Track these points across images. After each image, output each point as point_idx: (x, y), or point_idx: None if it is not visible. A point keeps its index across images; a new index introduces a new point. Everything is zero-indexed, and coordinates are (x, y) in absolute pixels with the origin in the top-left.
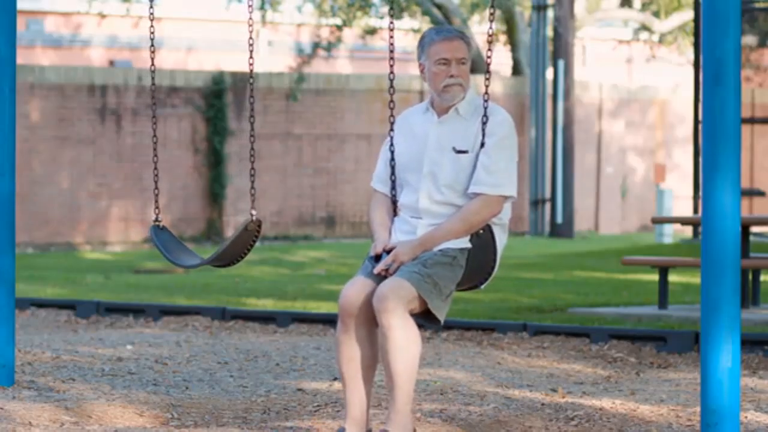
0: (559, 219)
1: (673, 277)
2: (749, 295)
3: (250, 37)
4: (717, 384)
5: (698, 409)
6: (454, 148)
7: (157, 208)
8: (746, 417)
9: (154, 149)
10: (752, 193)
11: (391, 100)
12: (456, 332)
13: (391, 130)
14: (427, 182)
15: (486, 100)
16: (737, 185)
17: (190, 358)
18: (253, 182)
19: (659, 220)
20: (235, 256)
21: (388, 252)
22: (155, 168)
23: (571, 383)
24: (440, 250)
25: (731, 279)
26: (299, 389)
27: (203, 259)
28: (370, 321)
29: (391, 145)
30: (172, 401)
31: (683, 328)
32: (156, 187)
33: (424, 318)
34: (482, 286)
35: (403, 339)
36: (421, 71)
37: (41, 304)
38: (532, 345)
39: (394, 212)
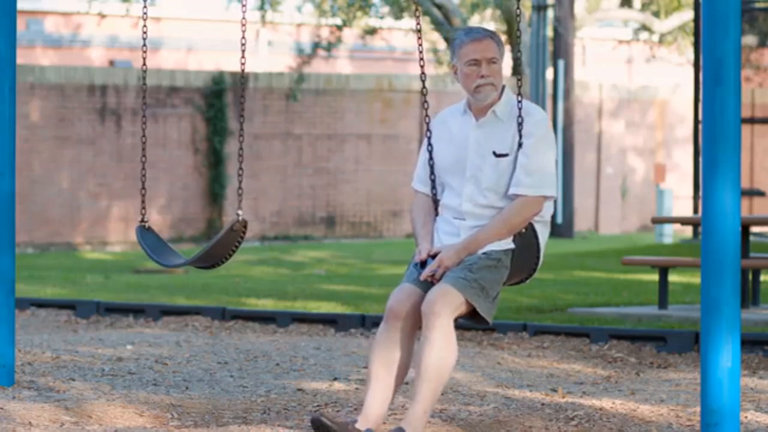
0: (559, 219)
1: (673, 277)
2: (749, 295)
3: (243, 37)
4: (717, 384)
5: (698, 409)
6: (494, 152)
7: (143, 208)
8: (746, 417)
9: (143, 149)
10: (752, 193)
11: (425, 101)
12: (456, 332)
13: (428, 130)
14: (470, 186)
15: (520, 101)
16: (737, 185)
17: (190, 358)
18: (240, 182)
19: (659, 220)
20: (220, 257)
21: (433, 257)
22: (143, 169)
23: (571, 383)
24: (484, 253)
25: (731, 279)
26: (299, 389)
27: (187, 259)
28: (412, 329)
29: (429, 145)
30: (172, 401)
31: (683, 328)
32: (143, 188)
33: (472, 319)
34: (527, 281)
35: (443, 347)
36: (454, 73)
37: (41, 304)
38: (532, 345)
39: (435, 212)
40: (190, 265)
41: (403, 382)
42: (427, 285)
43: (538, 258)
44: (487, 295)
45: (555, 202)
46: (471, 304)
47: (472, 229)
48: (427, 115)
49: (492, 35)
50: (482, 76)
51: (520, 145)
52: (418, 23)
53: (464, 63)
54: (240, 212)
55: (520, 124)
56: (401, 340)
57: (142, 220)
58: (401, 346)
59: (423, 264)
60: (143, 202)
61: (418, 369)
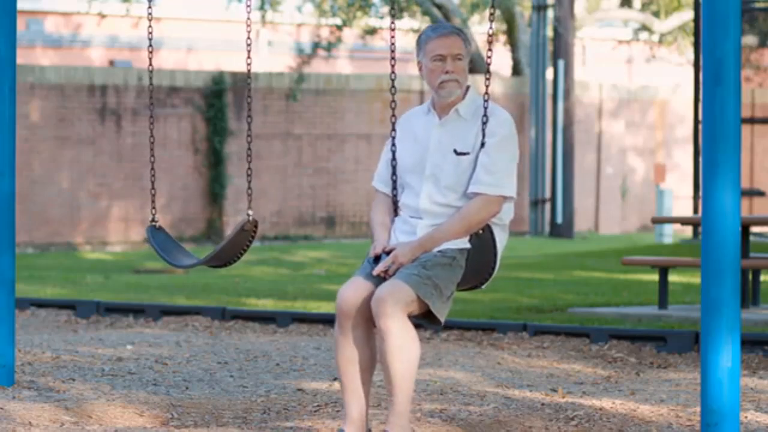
0: (559, 219)
1: (673, 277)
2: (749, 295)
3: (248, 37)
4: (717, 384)
5: (698, 409)
6: (455, 150)
7: (153, 208)
8: (746, 417)
9: (152, 150)
10: (752, 193)
11: (393, 100)
12: (456, 332)
13: (393, 130)
14: (428, 184)
15: (486, 100)
16: (737, 185)
17: (190, 358)
18: (249, 183)
19: (659, 220)
20: (231, 257)
21: (388, 253)
22: (152, 169)
23: (571, 383)
24: (440, 251)
25: (731, 279)
26: (299, 389)
27: (199, 259)
28: (367, 322)
29: (393, 145)
30: (172, 401)
31: (683, 328)
32: (153, 188)
33: (425, 319)
34: (483, 286)
35: (402, 342)
36: (420, 69)
37: (41, 304)
38: (532, 345)
39: (395, 212)
40: (202, 265)
41: (372, 374)
42: (380, 280)
43: (494, 261)
44: (440, 293)
45: (553, 203)
46: (423, 302)
47: (428, 227)
48: (393, 115)
49: (459, 32)
50: (447, 72)
51: (483, 144)
52: (392, 22)
53: (429, 59)
54: (250, 212)
55: (484, 123)
56: (357, 337)
57: (153, 220)
58: (358, 343)
59: (377, 259)
60: (153, 201)
61: (386, 373)
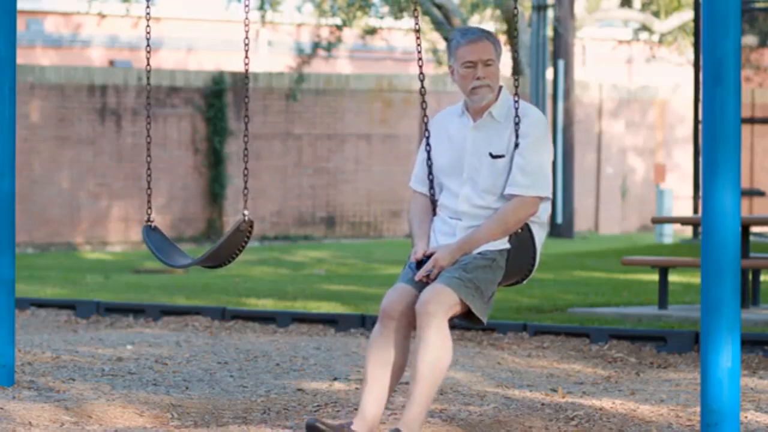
0: (559, 219)
1: (673, 277)
2: (749, 295)
3: (246, 37)
4: (717, 384)
5: (698, 409)
6: (490, 154)
7: (149, 208)
8: (746, 417)
9: (148, 150)
10: (752, 193)
11: (423, 101)
12: (456, 332)
13: (426, 131)
14: (467, 188)
15: (516, 101)
16: (737, 185)
17: (190, 358)
18: (246, 182)
19: (659, 220)
20: (226, 257)
21: (428, 257)
22: (148, 169)
23: (571, 383)
24: (479, 253)
25: (731, 279)
26: (299, 389)
27: (194, 259)
28: (407, 329)
29: (427, 145)
30: (172, 401)
31: (683, 328)
32: (149, 188)
33: (466, 319)
34: (524, 282)
35: (438, 347)
36: (451, 74)
37: (41, 304)
38: (532, 345)
39: (433, 212)
40: (197, 265)
41: (398, 382)
42: (422, 285)
43: (534, 259)
44: (481, 294)
45: (553, 203)
46: (466, 304)
47: (468, 229)
48: (425, 115)
49: (488, 36)
50: (478, 78)
51: (516, 145)
52: (416, 23)
53: (460, 65)
54: (246, 212)
55: (517, 125)
56: (396, 341)
57: (148, 220)
58: (396, 347)
59: (419, 264)
60: (149, 201)
61: (414, 370)
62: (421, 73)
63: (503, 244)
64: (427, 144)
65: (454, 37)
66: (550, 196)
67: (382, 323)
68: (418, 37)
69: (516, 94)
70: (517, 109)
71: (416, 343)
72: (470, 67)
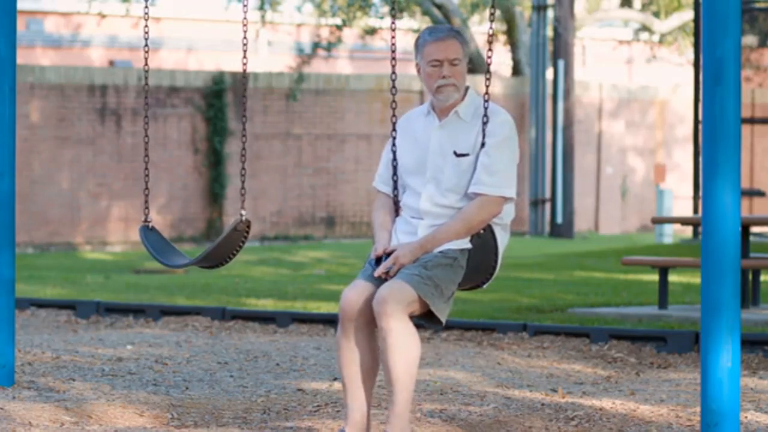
0: (559, 219)
1: (673, 277)
2: (749, 295)
3: (244, 37)
4: (717, 384)
5: (698, 409)
6: (455, 152)
7: (147, 208)
8: (746, 417)
9: (146, 150)
10: (752, 193)
11: (393, 101)
12: (456, 332)
13: (393, 130)
14: (430, 186)
15: (486, 101)
16: (737, 185)
17: (190, 358)
18: (243, 182)
19: (659, 220)
20: (223, 257)
21: (389, 254)
22: (146, 169)
23: (571, 383)
24: (440, 252)
25: (731, 279)
26: (299, 389)
27: (192, 259)
28: (370, 324)
29: (393, 145)
30: (172, 401)
31: (683, 328)
32: (146, 188)
33: (426, 319)
34: (484, 286)
35: (403, 342)
36: (418, 72)
37: (41, 304)
38: (532, 345)
39: (396, 212)
40: (194, 265)
41: (375, 377)
42: (381, 282)
43: (495, 261)
44: (441, 293)
45: (553, 202)
46: (425, 302)
47: (429, 228)
48: (394, 116)
49: (456, 35)
50: (444, 77)
51: (483, 144)
52: (393, 22)
53: (427, 63)
54: (243, 212)
55: (485, 124)
56: (359, 340)
57: (146, 220)
58: (361, 346)
59: (378, 261)
60: (146, 202)
61: (387, 373)
62: (393, 72)
63: (465, 243)
64: (393, 144)
65: (421, 35)
66: (515, 197)
67: (342, 324)
68: (393, 36)
69: (486, 93)
70: (486, 107)
71: (381, 343)
72: (436, 65)
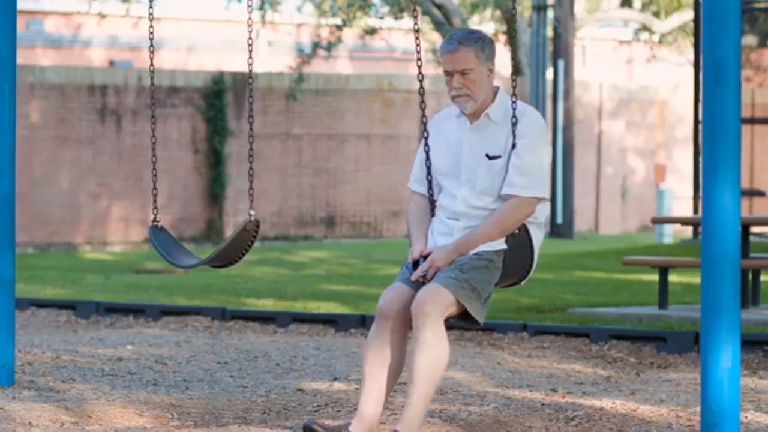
0: (559, 219)
1: (673, 277)
2: (749, 295)
3: (250, 38)
4: (717, 384)
5: (698, 409)
6: (487, 155)
7: (155, 208)
8: (746, 417)
9: (153, 150)
10: (752, 193)
11: (422, 101)
12: (456, 332)
13: (425, 131)
14: (465, 189)
15: (514, 102)
16: (737, 185)
17: (190, 358)
18: (251, 183)
19: (659, 221)
20: (233, 257)
21: (425, 258)
22: (154, 168)
23: (571, 383)
24: (476, 254)
25: (731, 279)
26: (299, 389)
27: (201, 259)
28: (404, 328)
29: (426, 146)
30: (172, 401)
31: (683, 328)
32: (154, 188)
33: (463, 320)
34: (522, 283)
35: (434, 347)
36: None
37: (41, 304)
38: (532, 345)
39: (432, 212)
40: (204, 265)
41: (396, 382)
42: (419, 285)
43: (531, 260)
44: (478, 295)
45: (553, 202)
46: (462, 304)
47: (465, 229)
48: (424, 115)
49: (468, 42)
50: (454, 88)
51: (513, 146)
52: (416, 23)
53: (444, 72)
54: (252, 212)
55: (514, 125)
56: (392, 341)
57: (155, 220)
58: (392, 347)
59: (415, 264)
60: (155, 201)
61: (411, 370)
62: (420, 73)
63: (500, 244)
64: (426, 144)
65: (441, 44)
66: (548, 197)
67: (378, 323)
68: (417, 37)
69: (514, 94)
70: (515, 110)
71: (412, 343)
72: (448, 77)
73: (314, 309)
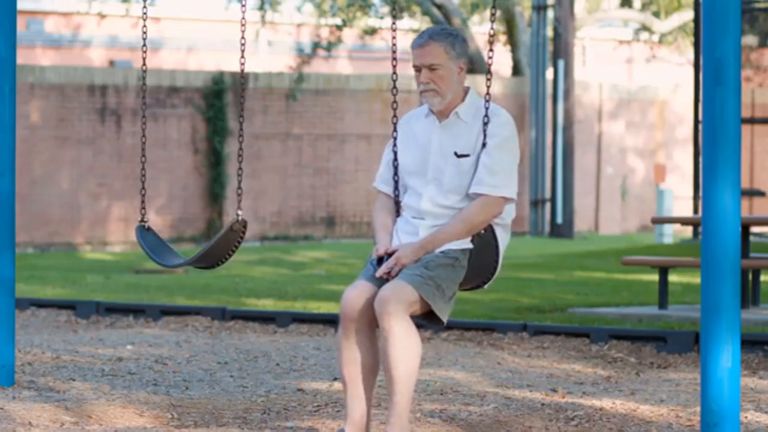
0: (559, 219)
1: (673, 277)
2: (749, 295)
3: (242, 37)
4: (717, 384)
5: (698, 409)
6: (455, 153)
7: (143, 208)
8: (746, 417)
9: (143, 150)
10: (752, 193)
11: (395, 101)
12: (456, 332)
13: (394, 131)
14: (431, 187)
15: (487, 101)
16: (737, 185)
17: (190, 358)
18: (240, 182)
19: (659, 221)
20: (219, 257)
21: (390, 255)
22: (143, 169)
23: (571, 383)
24: (442, 252)
25: (731, 279)
26: (299, 389)
27: (187, 259)
28: (371, 325)
29: (394, 146)
30: (172, 401)
31: (683, 328)
32: (143, 188)
33: (427, 319)
34: (485, 286)
35: (404, 343)
36: None
37: (41, 304)
38: (532, 345)
39: (397, 213)
40: (190, 265)
41: (376, 378)
42: (383, 282)
43: (497, 261)
44: (443, 293)
45: (553, 202)
46: (426, 302)
47: (431, 228)
48: (395, 116)
49: (439, 38)
50: (422, 83)
51: (484, 145)
52: (393, 22)
53: (413, 66)
54: (240, 212)
55: (485, 124)
56: (360, 341)
57: (142, 220)
58: (361, 347)
59: (380, 261)
60: (143, 202)
61: (387, 370)
62: (395, 72)
63: (466, 243)
64: (395, 145)
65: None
66: (515, 198)
67: (343, 325)
68: (394, 36)
69: (487, 94)
70: (487, 108)
71: (382, 342)
72: (417, 71)
73: (314, 309)
